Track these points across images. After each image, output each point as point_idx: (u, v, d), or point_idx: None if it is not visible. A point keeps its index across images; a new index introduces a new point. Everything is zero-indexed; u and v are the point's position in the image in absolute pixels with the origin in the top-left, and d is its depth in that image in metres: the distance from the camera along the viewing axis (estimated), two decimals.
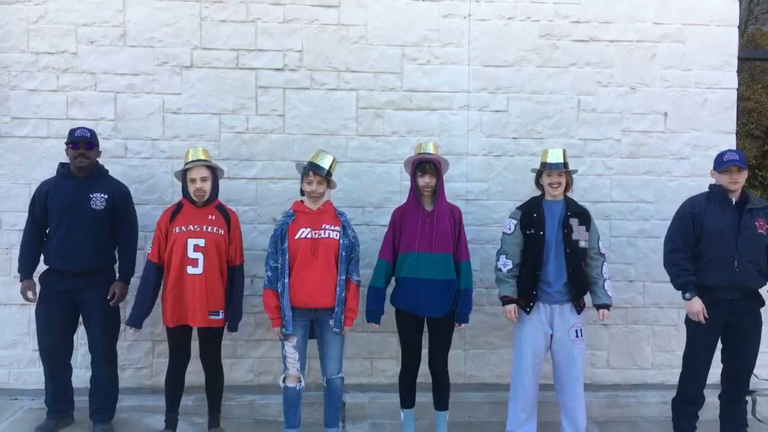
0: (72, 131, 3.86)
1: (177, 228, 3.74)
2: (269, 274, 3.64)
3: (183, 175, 3.81)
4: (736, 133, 4.83)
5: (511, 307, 3.73)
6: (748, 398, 4.22)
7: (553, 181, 3.71)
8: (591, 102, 4.57)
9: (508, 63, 4.53)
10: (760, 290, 3.79)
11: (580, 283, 3.74)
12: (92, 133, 3.90)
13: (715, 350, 3.81)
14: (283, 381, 3.71)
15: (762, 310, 3.81)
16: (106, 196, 3.86)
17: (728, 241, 3.69)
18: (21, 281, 3.88)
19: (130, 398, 4.29)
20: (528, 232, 3.73)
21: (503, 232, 3.83)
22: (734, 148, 4.63)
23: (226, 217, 3.84)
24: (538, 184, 3.86)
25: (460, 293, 3.76)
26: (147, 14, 4.37)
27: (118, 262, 4.00)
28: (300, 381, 3.70)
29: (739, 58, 4.67)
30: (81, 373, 4.19)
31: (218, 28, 4.40)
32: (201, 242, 3.71)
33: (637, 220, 4.60)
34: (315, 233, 3.63)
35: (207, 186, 3.77)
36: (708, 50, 4.61)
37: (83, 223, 3.79)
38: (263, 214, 4.48)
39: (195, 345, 3.88)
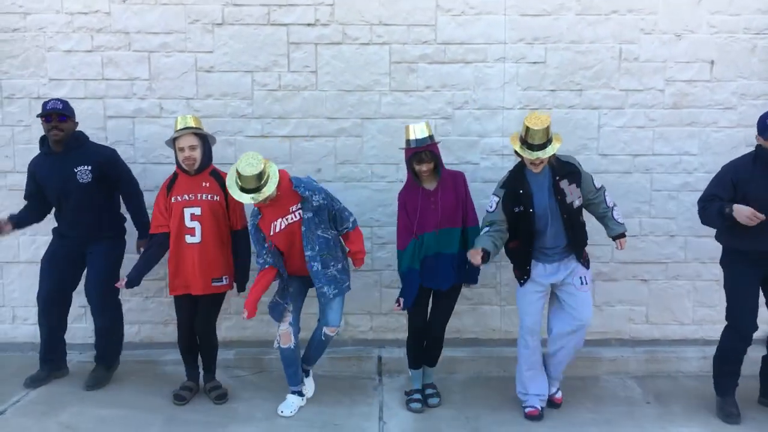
0: (44, 104, 3.84)
1: (173, 198, 3.78)
2: (267, 258, 3.62)
3: (173, 144, 3.79)
4: None
5: (474, 252, 3.49)
6: None
7: (534, 161, 3.51)
8: (633, 51, 4.40)
9: (546, 12, 4.38)
10: None
11: (581, 239, 3.68)
12: (65, 104, 3.86)
13: (758, 303, 3.66)
14: (277, 342, 3.72)
15: None
16: (90, 168, 3.86)
17: None
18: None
19: (173, 353, 4.38)
20: (516, 210, 3.57)
21: (486, 210, 3.68)
22: None
23: (221, 182, 3.79)
24: (518, 155, 3.61)
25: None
26: None
27: (134, 224, 4.09)
28: (291, 340, 3.68)
29: None
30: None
31: None
32: (197, 210, 3.73)
33: (680, 173, 4.46)
34: (287, 220, 3.58)
35: (196, 154, 3.75)
36: None
37: (76, 198, 3.86)
38: (297, 172, 4.44)
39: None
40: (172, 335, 4.49)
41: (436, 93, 4.44)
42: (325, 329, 3.78)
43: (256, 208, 3.62)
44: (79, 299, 4.25)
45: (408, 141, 3.63)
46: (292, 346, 3.71)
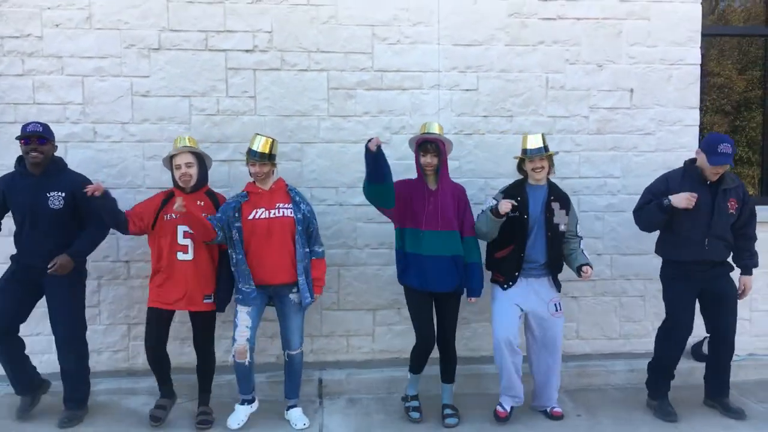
0: (23, 126, 3.76)
1: (167, 216, 3.78)
2: (213, 221, 3.67)
3: (170, 162, 3.84)
4: (705, 109, 4.96)
5: (505, 201, 3.67)
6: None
7: (535, 166, 3.82)
8: (559, 79, 4.64)
9: (478, 42, 4.57)
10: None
11: (558, 262, 3.94)
12: (45, 127, 3.77)
13: (693, 314, 3.93)
14: (233, 356, 3.77)
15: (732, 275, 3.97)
16: (63, 195, 3.77)
17: (701, 221, 3.81)
18: None
19: (108, 381, 4.32)
20: (511, 214, 3.77)
21: (482, 210, 3.87)
22: (698, 122, 4.77)
23: (215, 202, 3.88)
24: (521, 169, 3.95)
25: (468, 267, 3.86)
26: None
27: (77, 240, 3.82)
28: (247, 356, 3.75)
29: (702, 35, 4.76)
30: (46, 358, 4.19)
31: (186, 9, 4.36)
32: (189, 229, 3.73)
33: (605, 194, 4.71)
34: (269, 213, 3.73)
35: (192, 171, 3.80)
36: (673, 27, 4.69)
37: (44, 223, 3.75)
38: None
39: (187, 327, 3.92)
40: (106, 363, 4.41)
41: (374, 118, 4.55)
42: (288, 351, 3.88)
43: (244, 192, 3.79)
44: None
45: (423, 134, 3.83)
46: (247, 363, 3.77)
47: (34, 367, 4.04)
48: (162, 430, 3.84)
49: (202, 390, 4.01)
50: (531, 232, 3.84)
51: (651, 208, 3.88)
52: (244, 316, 3.75)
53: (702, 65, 4.77)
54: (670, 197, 3.76)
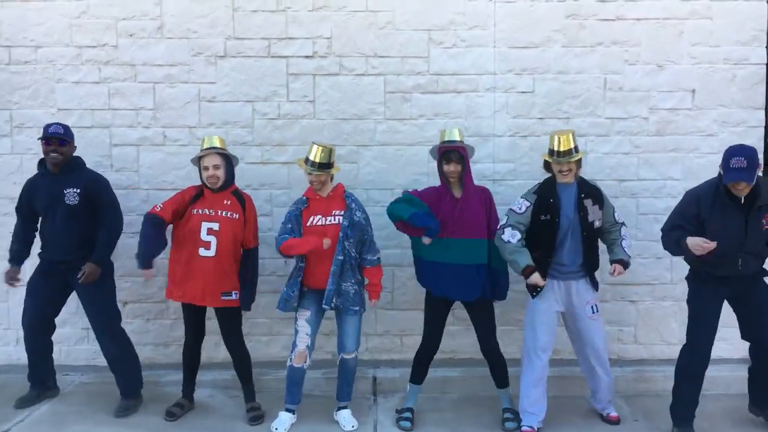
0: (45, 127, 3.97)
1: (195, 210, 3.90)
2: (286, 235, 3.77)
3: (198, 162, 3.96)
4: (766, 109, 4.80)
5: (536, 276, 3.71)
6: None
7: (562, 169, 3.76)
8: (618, 80, 4.60)
9: (534, 44, 4.58)
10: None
11: (594, 261, 3.87)
12: (66, 129, 4.00)
13: (717, 324, 3.73)
14: (290, 360, 3.87)
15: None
16: (78, 190, 3.95)
17: (735, 240, 3.54)
18: (9, 266, 4.12)
19: (174, 373, 4.48)
20: (543, 218, 3.75)
21: (511, 209, 3.83)
22: (763, 123, 4.62)
23: (242, 201, 3.99)
24: (549, 169, 3.87)
25: (493, 271, 3.86)
26: (183, 7, 4.55)
27: (95, 247, 4.02)
28: (306, 360, 3.85)
29: None
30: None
31: (250, 18, 4.56)
32: (215, 226, 3.85)
33: (665, 197, 4.62)
34: (325, 219, 3.81)
35: (220, 173, 3.90)
36: (736, 26, 4.58)
37: (61, 218, 3.96)
38: (296, 197, 4.59)
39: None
40: (172, 356, 4.62)
41: (429, 121, 4.62)
42: (342, 355, 3.95)
43: (304, 198, 3.88)
44: (83, 321, 4.38)
45: (442, 142, 3.86)
46: (305, 367, 3.88)
47: (54, 371, 4.32)
48: (218, 424, 3.99)
49: (245, 385, 4.10)
50: (564, 234, 3.75)
51: (671, 241, 3.66)
52: (302, 322, 3.85)
53: None
54: (688, 240, 3.49)
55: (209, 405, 4.24)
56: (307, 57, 4.58)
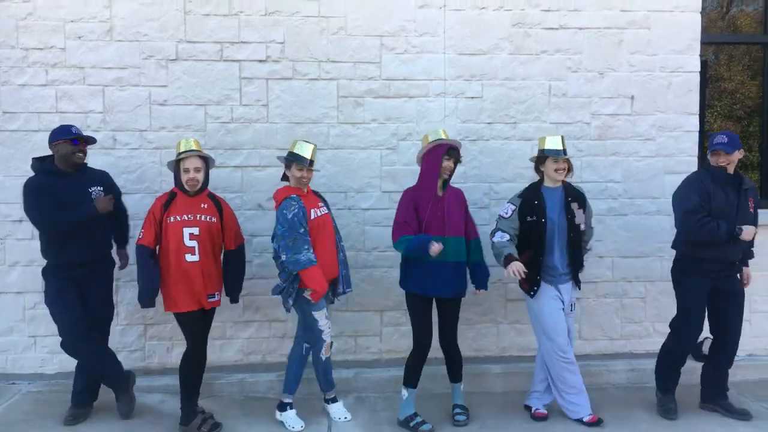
0: (67, 129, 3.87)
1: (171, 218, 3.81)
2: (311, 255, 3.73)
3: (176, 165, 3.90)
4: (716, 114, 5.07)
5: (515, 264, 3.72)
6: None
7: (559, 166, 3.90)
8: (561, 87, 4.79)
9: (482, 51, 4.73)
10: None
11: (580, 261, 4.05)
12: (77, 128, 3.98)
13: (705, 310, 4.04)
14: (323, 356, 3.95)
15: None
16: (101, 189, 3.96)
17: (730, 220, 3.85)
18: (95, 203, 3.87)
19: None
20: (529, 219, 3.90)
21: (500, 215, 3.99)
22: (697, 128, 4.88)
23: (218, 205, 3.98)
24: (538, 170, 4.04)
25: (472, 265, 3.99)
26: (133, 9, 4.52)
27: (117, 234, 4.22)
28: (330, 351, 4.03)
29: (702, 42, 4.89)
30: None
31: (202, 21, 4.56)
32: (195, 231, 3.82)
33: (606, 199, 4.84)
34: (317, 211, 3.92)
35: (200, 176, 3.86)
36: (672, 36, 4.83)
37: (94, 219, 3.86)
38: (249, 201, 4.68)
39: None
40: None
41: (382, 125, 4.71)
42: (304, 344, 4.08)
43: (294, 195, 3.82)
44: (29, 328, 4.30)
45: (440, 139, 3.93)
46: (329, 357, 4.07)
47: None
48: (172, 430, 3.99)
49: (194, 394, 3.97)
50: (551, 236, 3.89)
51: (716, 231, 3.80)
52: (325, 321, 3.90)
53: (710, 71, 4.88)
54: (743, 228, 3.81)
55: (162, 411, 4.21)
56: (260, 61, 4.61)
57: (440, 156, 3.87)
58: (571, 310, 4.03)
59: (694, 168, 4.85)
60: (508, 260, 3.77)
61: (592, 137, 4.82)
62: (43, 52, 4.49)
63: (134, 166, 4.58)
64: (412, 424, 3.91)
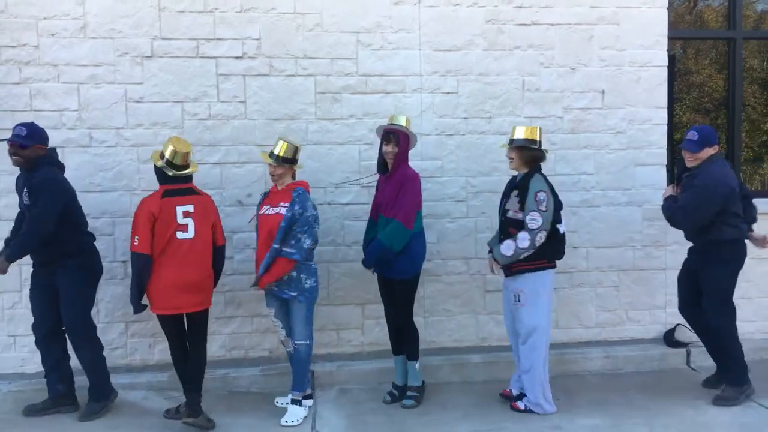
0: (14, 127, 3.94)
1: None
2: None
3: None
4: (684, 108, 5.21)
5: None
6: (686, 349, 4.77)
7: (507, 155, 4.07)
8: (534, 82, 4.89)
9: (457, 47, 4.81)
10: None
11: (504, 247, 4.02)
12: (29, 132, 3.86)
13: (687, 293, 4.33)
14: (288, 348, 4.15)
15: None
16: (27, 191, 3.87)
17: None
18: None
19: None
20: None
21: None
22: (666, 121, 5.02)
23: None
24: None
25: (370, 240, 4.13)
26: (106, 6, 4.48)
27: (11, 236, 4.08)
28: (288, 345, 4.11)
29: (669, 38, 5.04)
30: None
31: (177, 18, 4.55)
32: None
33: (579, 191, 4.96)
34: (270, 210, 3.97)
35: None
36: (640, 31, 4.96)
37: (25, 217, 3.93)
38: (228, 197, 4.69)
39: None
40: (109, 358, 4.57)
41: (359, 121, 4.76)
42: (292, 342, 4.11)
43: (268, 190, 4.11)
44: (8, 327, 4.26)
45: (388, 124, 4.13)
46: (288, 350, 4.15)
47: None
48: (156, 426, 4.00)
49: (197, 388, 3.97)
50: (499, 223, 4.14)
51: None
52: (273, 319, 4.14)
53: (678, 65, 5.03)
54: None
55: (145, 407, 4.21)
56: (236, 58, 4.62)
57: (381, 140, 4.12)
58: (516, 301, 4.02)
59: (663, 160, 5.02)
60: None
61: (565, 131, 4.93)
62: (15, 49, 4.43)
63: (111, 164, 4.55)
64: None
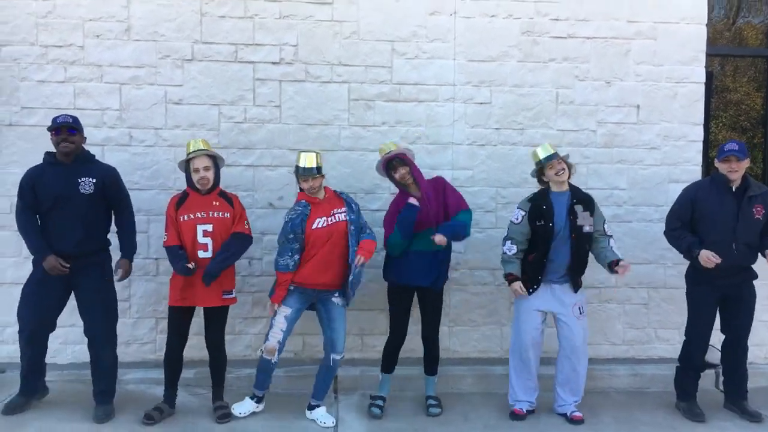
0: (54, 119, 3.92)
1: (185, 216, 3.93)
2: (289, 261, 3.88)
3: (186, 165, 4.01)
4: (720, 126, 5.13)
5: (517, 284, 4.05)
6: (715, 370, 4.67)
7: (556, 169, 4.00)
8: (569, 95, 4.88)
9: (491, 58, 4.82)
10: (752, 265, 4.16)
11: (581, 264, 4.12)
12: (75, 119, 3.94)
13: (714, 321, 4.17)
14: (261, 351, 4.01)
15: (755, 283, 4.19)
16: (94, 180, 3.92)
17: (727, 227, 4.01)
18: (44, 259, 3.84)
19: (135, 372, 4.58)
20: (538, 223, 4.01)
21: (511, 221, 4.13)
22: (702, 137, 4.96)
23: (229, 201, 4.07)
24: (542, 181, 4.14)
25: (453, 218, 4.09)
26: (150, 10, 4.61)
27: (120, 242, 4.07)
28: (275, 356, 3.96)
29: (707, 54, 4.98)
30: (78, 349, 4.46)
31: (218, 23, 4.66)
32: (209, 227, 3.92)
33: (611, 206, 4.91)
34: (328, 220, 3.95)
35: (210, 174, 3.96)
36: (678, 47, 4.91)
37: (73, 207, 3.87)
38: (260, 199, 4.76)
39: (196, 322, 4.15)
40: (134, 355, 4.67)
41: (392, 128, 4.80)
42: (332, 355, 4.05)
43: (303, 201, 3.97)
44: None
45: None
46: (274, 361, 4.01)
47: (44, 373, 4.22)
48: (181, 421, 4.06)
49: (217, 384, 4.15)
50: (557, 239, 4.01)
51: (682, 246, 4.11)
52: (281, 319, 3.97)
53: (715, 82, 4.97)
54: (701, 253, 3.97)
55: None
56: (273, 63, 4.71)
57: (387, 174, 4.11)
58: (580, 313, 4.10)
59: (698, 177, 4.93)
60: (508, 278, 4.05)
61: (598, 145, 4.90)
62: (62, 49, 4.59)
63: (149, 163, 4.67)
64: (371, 401, 4.22)
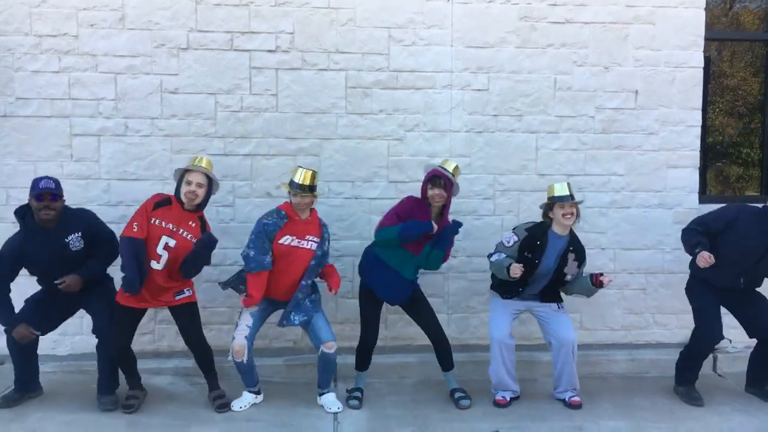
0: (35, 182, 3.73)
1: (157, 220, 3.82)
2: (264, 258, 3.86)
3: (180, 176, 3.91)
4: (717, 111, 5.12)
5: (515, 265, 3.90)
6: (711, 355, 4.63)
7: (566, 211, 3.93)
8: (567, 81, 4.85)
9: (489, 44, 4.79)
10: None
11: (555, 293, 4.20)
12: (56, 183, 3.78)
13: (721, 321, 4.12)
14: (231, 356, 3.94)
15: None
16: (80, 234, 3.85)
17: (749, 259, 3.98)
18: (12, 328, 3.80)
19: None
20: (526, 254, 3.99)
21: (501, 242, 4.10)
22: (700, 122, 4.95)
23: (203, 228, 3.97)
24: (546, 215, 4.08)
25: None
26: None
27: (88, 261, 3.93)
28: (244, 355, 3.90)
29: (706, 39, 4.95)
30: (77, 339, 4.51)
31: (213, 11, 4.62)
32: (172, 243, 3.84)
33: (609, 191, 4.91)
34: (299, 242, 3.92)
35: (201, 192, 3.87)
36: (677, 31, 4.88)
37: (66, 262, 3.82)
38: (258, 188, 4.75)
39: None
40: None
41: (389, 116, 4.78)
42: (322, 347, 4.02)
43: (283, 212, 3.93)
44: None
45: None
46: (245, 361, 3.94)
47: (38, 372, 4.20)
48: (182, 411, 4.07)
49: (208, 375, 4.12)
50: (538, 276, 4.05)
51: (691, 239, 4.02)
52: (246, 316, 3.96)
53: (712, 67, 4.94)
54: (702, 252, 3.91)
55: (171, 392, 4.31)
56: (269, 51, 4.68)
57: (426, 183, 4.00)
58: (559, 308, 4.17)
59: (696, 162, 4.93)
60: (509, 268, 3.93)
61: (596, 131, 4.89)
62: (56, 39, 4.55)
63: (145, 153, 4.65)
64: (348, 394, 4.20)
